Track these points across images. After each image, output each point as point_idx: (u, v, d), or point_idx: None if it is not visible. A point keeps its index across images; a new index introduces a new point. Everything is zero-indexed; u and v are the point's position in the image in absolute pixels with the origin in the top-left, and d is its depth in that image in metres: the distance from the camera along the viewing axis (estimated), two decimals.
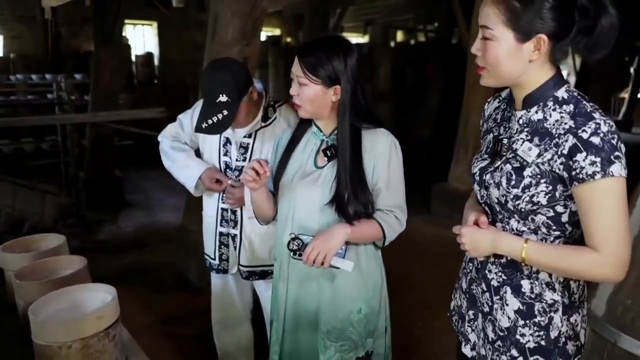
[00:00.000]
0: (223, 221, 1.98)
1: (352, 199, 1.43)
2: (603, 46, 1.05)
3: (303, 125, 1.59)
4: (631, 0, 5.90)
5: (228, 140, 1.94)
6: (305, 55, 1.45)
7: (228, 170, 1.96)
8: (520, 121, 1.15)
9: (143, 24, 9.94)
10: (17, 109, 6.80)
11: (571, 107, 1.08)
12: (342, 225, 1.42)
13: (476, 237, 1.16)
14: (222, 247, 2.00)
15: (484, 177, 1.21)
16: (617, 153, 1.01)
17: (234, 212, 1.96)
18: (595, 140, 1.01)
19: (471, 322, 1.32)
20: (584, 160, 1.02)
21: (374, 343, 1.57)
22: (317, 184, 1.49)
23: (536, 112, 1.12)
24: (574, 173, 1.04)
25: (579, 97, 1.09)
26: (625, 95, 12.51)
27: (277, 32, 11.53)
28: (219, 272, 2.04)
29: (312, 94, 1.45)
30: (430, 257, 3.97)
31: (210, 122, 1.73)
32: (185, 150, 2.05)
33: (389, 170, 1.49)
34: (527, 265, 1.16)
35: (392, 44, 11.49)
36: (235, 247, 1.98)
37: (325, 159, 1.51)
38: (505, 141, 1.19)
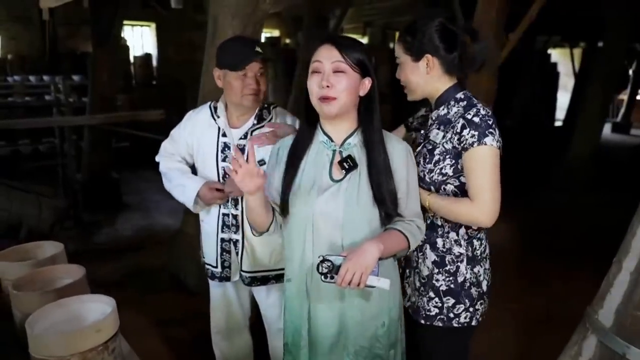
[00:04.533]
0: (224, 227, 1.93)
1: (391, 206, 1.40)
2: (469, 67, 1.53)
3: (306, 134, 1.47)
4: (630, 2, 5.92)
5: (226, 145, 1.90)
6: (340, 41, 1.36)
7: (227, 176, 1.89)
8: (433, 117, 1.56)
9: (142, 25, 9.93)
10: (14, 111, 6.76)
11: (465, 102, 1.51)
12: (373, 241, 1.32)
13: None
14: (224, 253, 1.95)
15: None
16: (490, 130, 1.42)
17: (235, 217, 1.92)
18: (476, 119, 1.43)
19: (407, 279, 1.65)
20: (467, 134, 1.42)
21: (395, 354, 1.52)
22: (338, 200, 1.39)
23: (442, 109, 1.54)
24: (462, 144, 1.43)
25: (471, 96, 1.52)
26: (624, 97, 12.54)
27: (276, 33, 11.51)
28: (222, 280, 1.99)
29: (352, 83, 1.35)
30: None
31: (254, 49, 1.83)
32: (180, 169, 1.99)
33: (409, 180, 1.45)
34: (441, 227, 1.54)
35: (392, 45, 11.48)
36: (237, 253, 1.94)
37: (343, 171, 1.40)
38: (422, 132, 1.61)
